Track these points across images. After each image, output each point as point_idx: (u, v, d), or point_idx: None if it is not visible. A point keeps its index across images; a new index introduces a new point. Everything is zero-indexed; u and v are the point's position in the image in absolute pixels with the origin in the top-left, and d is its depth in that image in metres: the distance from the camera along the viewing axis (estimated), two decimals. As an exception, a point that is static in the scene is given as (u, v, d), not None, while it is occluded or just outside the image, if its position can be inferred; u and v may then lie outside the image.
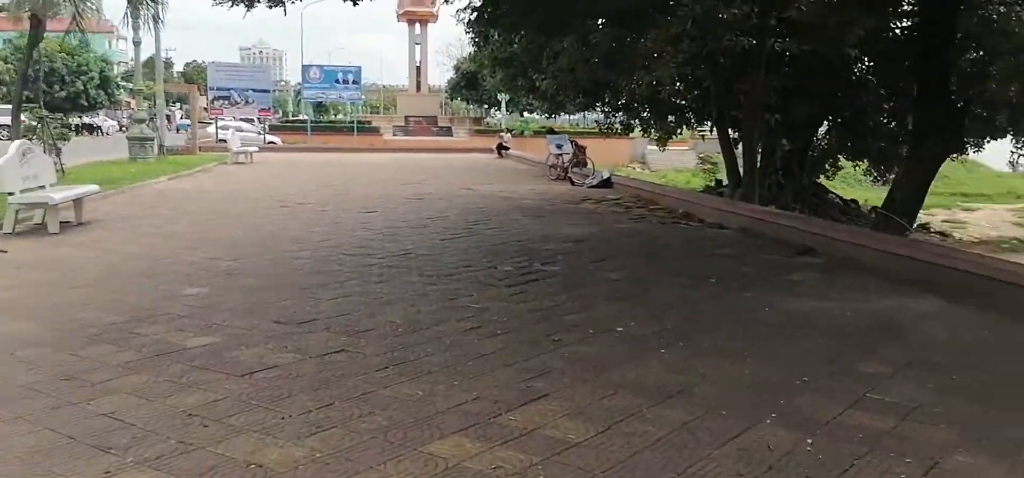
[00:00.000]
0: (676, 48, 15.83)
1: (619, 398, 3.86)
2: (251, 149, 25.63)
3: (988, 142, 18.59)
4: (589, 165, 18.63)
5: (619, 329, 5.21)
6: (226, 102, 37.12)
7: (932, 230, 19.97)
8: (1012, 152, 18.89)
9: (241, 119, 38.32)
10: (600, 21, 12.32)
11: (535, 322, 5.41)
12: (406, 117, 51.69)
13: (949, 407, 3.79)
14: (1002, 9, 15.10)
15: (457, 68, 56.87)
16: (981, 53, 15.41)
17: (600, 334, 5.10)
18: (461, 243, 9.07)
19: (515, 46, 16.29)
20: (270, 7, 9.74)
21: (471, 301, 6.05)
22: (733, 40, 15.16)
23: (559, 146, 19.47)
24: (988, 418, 3.66)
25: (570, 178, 17.81)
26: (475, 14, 11.76)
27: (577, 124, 48.75)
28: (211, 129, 37.68)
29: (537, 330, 5.18)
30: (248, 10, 9.77)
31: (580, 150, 19.02)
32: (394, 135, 45.56)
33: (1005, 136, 18.08)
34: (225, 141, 27.87)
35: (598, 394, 3.91)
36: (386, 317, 5.46)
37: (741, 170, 16.91)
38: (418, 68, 56.44)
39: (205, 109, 41.50)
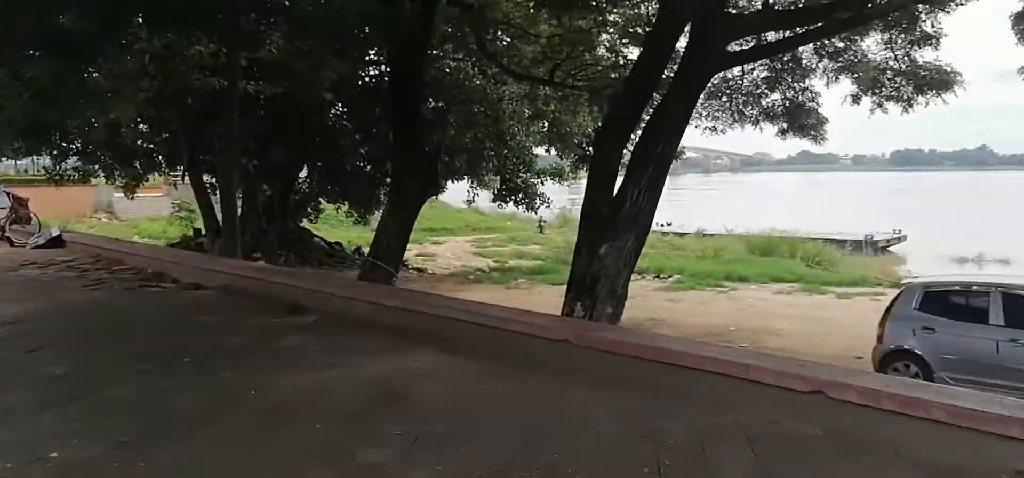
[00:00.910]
0: (135, 85, 14.05)
1: None
2: None
3: (450, 183, 20.44)
4: (34, 221, 15.54)
5: (54, 454, 3.84)
6: None
7: (409, 266, 21.26)
8: (469, 191, 21.20)
9: None
10: (33, 50, 9.98)
11: (-90, 470, 3.65)
12: None
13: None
14: (452, 63, 16.72)
15: None
16: (441, 103, 16.84)
17: (23, 467, 3.65)
18: None
19: (-94, 76, 12.63)
20: None
21: None
22: (201, 79, 13.97)
23: (-8, 199, 15.91)
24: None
25: (8, 238, 14.60)
26: None
27: (26, 170, 41.42)
28: None
29: (-90, 486, 3.47)
30: None
31: (20, 203, 15.74)
32: None
33: (463, 178, 20.14)
34: None
35: None
36: None
37: (220, 218, 15.74)
38: None
39: None
